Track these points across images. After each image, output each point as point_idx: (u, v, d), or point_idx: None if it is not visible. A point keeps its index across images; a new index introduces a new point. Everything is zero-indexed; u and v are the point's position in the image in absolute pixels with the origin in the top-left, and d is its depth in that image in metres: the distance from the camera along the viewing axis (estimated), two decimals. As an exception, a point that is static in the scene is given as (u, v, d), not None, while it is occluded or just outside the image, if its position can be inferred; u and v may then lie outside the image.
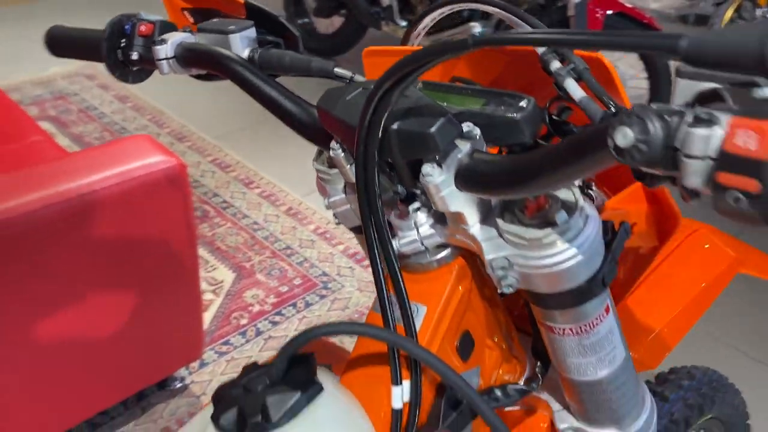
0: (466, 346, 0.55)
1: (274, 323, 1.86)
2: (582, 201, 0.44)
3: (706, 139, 0.29)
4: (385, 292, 0.48)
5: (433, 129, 0.42)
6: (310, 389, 0.45)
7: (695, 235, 0.82)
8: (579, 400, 0.55)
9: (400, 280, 0.48)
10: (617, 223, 0.46)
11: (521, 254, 0.44)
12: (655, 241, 0.57)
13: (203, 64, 0.55)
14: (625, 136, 0.31)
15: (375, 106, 0.41)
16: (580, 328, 0.48)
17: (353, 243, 2.19)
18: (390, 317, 0.48)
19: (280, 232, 2.23)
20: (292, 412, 0.43)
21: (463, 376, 0.53)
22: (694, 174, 0.30)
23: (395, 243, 0.48)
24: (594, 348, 0.50)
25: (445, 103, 0.46)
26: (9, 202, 1.11)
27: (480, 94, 0.47)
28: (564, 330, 0.49)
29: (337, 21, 3.49)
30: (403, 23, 3.03)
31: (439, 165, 0.44)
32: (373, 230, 0.46)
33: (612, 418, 0.56)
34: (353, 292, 2.03)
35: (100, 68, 3.25)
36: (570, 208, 0.43)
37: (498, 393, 0.56)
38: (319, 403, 0.45)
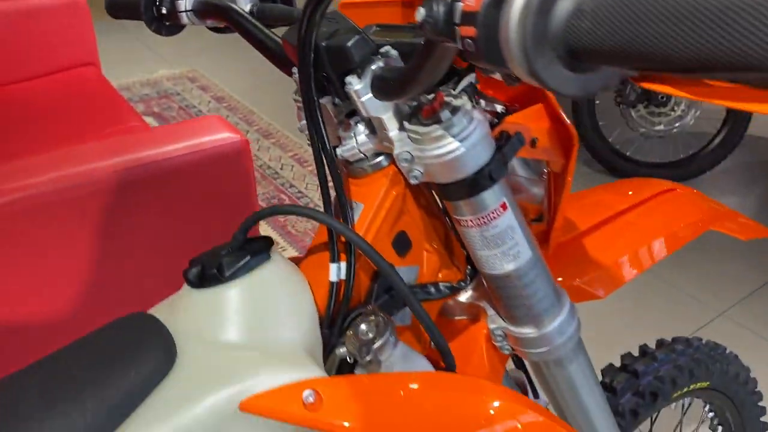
0: (402, 244, 0.65)
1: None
2: (469, 106, 0.54)
3: (458, 9, 0.41)
4: (327, 188, 0.60)
5: (349, 43, 0.55)
6: (259, 256, 0.57)
7: (671, 192, 0.87)
8: (497, 297, 0.63)
9: (338, 177, 0.60)
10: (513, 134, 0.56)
11: (419, 148, 0.54)
12: (561, 157, 0.65)
13: (213, 15, 0.69)
14: (419, 13, 0.43)
15: (306, 27, 0.54)
16: (480, 219, 0.57)
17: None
18: (331, 208, 0.61)
19: (346, 220, 2.39)
20: (242, 271, 0.56)
21: (400, 270, 0.65)
22: (460, 36, 0.42)
23: (339, 151, 0.60)
24: (495, 241, 0.58)
25: (387, 39, 0.59)
26: (99, 162, 1.33)
27: (414, 31, 0.59)
28: (468, 222, 0.58)
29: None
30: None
31: (359, 76, 0.55)
32: (315, 136, 0.59)
33: (528, 315, 0.63)
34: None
35: (201, 71, 3.57)
36: (457, 110, 0.53)
37: (431, 289, 0.67)
38: (266, 267, 0.57)
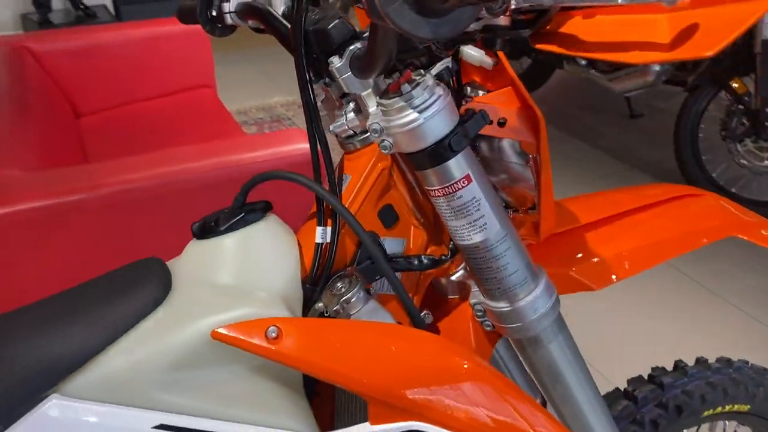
0: (389, 217, 0.70)
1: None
2: (431, 82, 0.59)
3: None
4: (318, 161, 0.68)
5: (329, 26, 0.62)
6: (253, 215, 0.66)
7: (695, 197, 0.85)
8: (470, 269, 0.67)
9: (327, 150, 0.67)
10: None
11: (386, 119, 0.60)
12: (532, 138, 0.67)
13: (250, 16, 0.79)
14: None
15: (297, 14, 0.63)
16: (446, 189, 0.61)
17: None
18: (321, 177, 0.68)
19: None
20: (235, 226, 0.65)
21: (386, 241, 0.71)
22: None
23: (331, 127, 0.68)
24: (462, 211, 0.62)
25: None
26: (195, 163, 1.49)
27: None
28: (435, 191, 0.62)
29: (525, 62, 3.68)
30: (584, 62, 3.12)
31: (340, 56, 0.62)
32: (308, 112, 0.67)
33: (500, 289, 0.66)
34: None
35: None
36: (418, 84, 0.58)
37: (413, 260, 0.71)
38: (258, 225, 0.65)
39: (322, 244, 0.68)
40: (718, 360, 1.00)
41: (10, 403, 0.55)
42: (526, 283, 0.67)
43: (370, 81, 0.63)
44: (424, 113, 0.58)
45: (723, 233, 0.82)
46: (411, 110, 0.58)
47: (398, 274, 0.71)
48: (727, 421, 1.04)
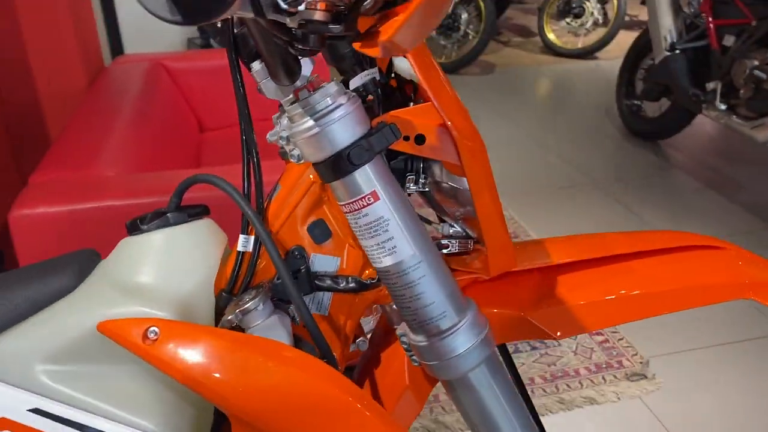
0: (319, 232, 0.68)
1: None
2: (333, 90, 0.56)
3: None
4: (250, 170, 0.67)
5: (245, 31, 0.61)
6: (178, 216, 0.67)
7: (714, 250, 0.72)
8: (389, 295, 0.62)
9: (257, 160, 0.67)
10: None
11: (290, 127, 0.58)
12: (455, 157, 0.61)
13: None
14: None
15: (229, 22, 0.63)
16: (351, 204, 0.58)
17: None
18: (251, 187, 0.67)
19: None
20: (161, 224, 0.66)
21: (317, 257, 0.68)
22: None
23: (267, 136, 0.66)
24: (369, 230, 0.58)
25: None
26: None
27: None
28: (343, 206, 0.59)
29: (665, 104, 3.42)
30: (723, 107, 2.84)
31: (260, 62, 0.60)
32: (242, 120, 0.66)
33: (416, 321, 0.61)
34: (567, 353, 2.03)
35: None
36: (318, 91, 0.56)
37: (340, 281, 0.68)
38: (183, 228, 0.67)
39: (242, 252, 0.67)
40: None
41: None
42: (446, 317, 0.61)
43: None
44: (321, 120, 0.56)
45: (739, 293, 0.69)
46: (308, 117, 0.56)
47: (329, 295, 0.69)
48: None
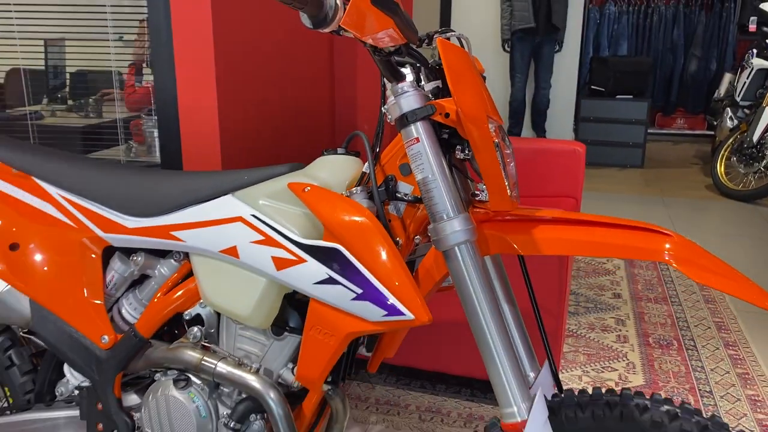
0: (403, 169, 1.07)
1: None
2: (407, 85, 1.01)
3: None
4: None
5: None
6: (343, 152, 1.17)
7: (663, 234, 0.96)
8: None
9: (381, 129, 1.12)
10: None
11: (389, 102, 1.05)
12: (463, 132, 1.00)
13: None
14: None
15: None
16: (408, 142, 1.03)
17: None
18: (376, 139, 1.11)
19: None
20: (335, 152, 1.17)
21: (400, 183, 1.09)
22: None
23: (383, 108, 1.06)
24: (413, 159, 1.02)
25: None
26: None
27: None
28: (405, 143, 1.04)
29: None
30: None
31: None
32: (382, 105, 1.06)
33: (430, 212, 1.01)
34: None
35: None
36: (399, 86, 1.03)
37: (409, 197, 1.07)
38: (346, 156, 1.17)
39: (365, 172, 1.10)
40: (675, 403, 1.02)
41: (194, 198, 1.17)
42: (445, 212, 0.98)
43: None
44: (398, 98, 1.00)
45: (650, 257, 0.93)
46: (392, 97, 1.00)
47: (402, 205, 1.09)
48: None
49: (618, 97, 5.89)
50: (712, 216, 4.50)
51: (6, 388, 1.35)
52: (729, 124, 5.15)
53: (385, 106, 1.03)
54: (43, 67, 2.30)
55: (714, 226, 4.25)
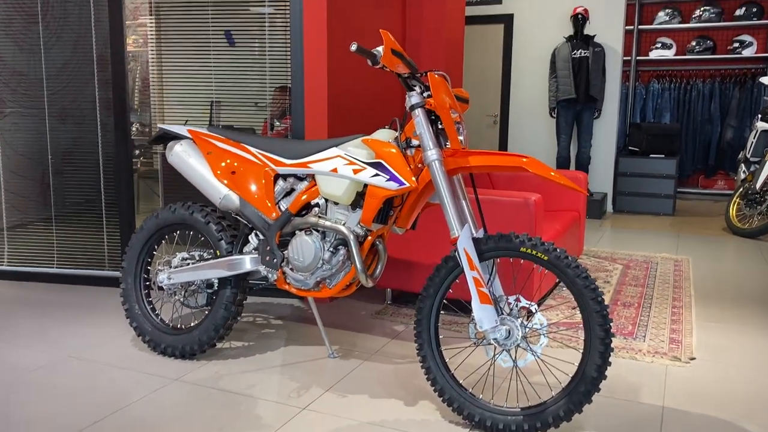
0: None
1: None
2: (414, 94, 2.51)
3: None
4: None
5: None
6: (384, 128, 2.46)
7: (524, 157, 2.23)
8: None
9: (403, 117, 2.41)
10: None
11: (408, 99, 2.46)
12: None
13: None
14: None
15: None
16: (413, 113, 2.33)
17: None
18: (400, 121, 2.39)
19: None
20: (380, 128, 2.48)
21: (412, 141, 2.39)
22: None
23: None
24: (417, 125, 2.31)
25: None
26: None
27: None
28: (413, 116, 2.34)
29: None
30: None
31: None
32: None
33: (423, 149, 2.30)
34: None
35: (690, 260, 5.29)
36: (410, 93, 2.34)
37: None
38: (384, 130, 2.62)
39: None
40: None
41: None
42: (428, 147, 2.21)
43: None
44: (410, 96, 2.28)
45: (513, 164, 2.19)
46: (408, 96, 2.29)
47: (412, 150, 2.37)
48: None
49: (651, 156, 7.02)
50: (713, 246, 5.46)
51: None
52: (742, 176, 6.14)
53: (406, 102, 2.33)
54: (208, 121, 3.85)
55: (713, 254, 5.22)
